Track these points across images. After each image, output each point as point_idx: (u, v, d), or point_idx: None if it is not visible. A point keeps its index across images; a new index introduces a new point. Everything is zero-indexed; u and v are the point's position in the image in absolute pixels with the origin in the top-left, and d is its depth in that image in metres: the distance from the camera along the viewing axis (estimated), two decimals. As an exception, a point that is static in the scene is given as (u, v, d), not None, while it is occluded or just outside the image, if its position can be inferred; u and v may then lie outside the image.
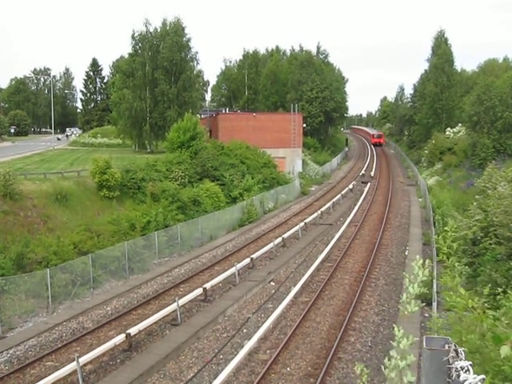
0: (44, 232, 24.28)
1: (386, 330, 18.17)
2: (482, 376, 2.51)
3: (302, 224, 34.28)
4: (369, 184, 56.49)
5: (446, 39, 77.23)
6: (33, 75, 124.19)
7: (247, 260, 26.03)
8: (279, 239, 30.36)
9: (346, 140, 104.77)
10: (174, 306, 19.21)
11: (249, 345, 16.20)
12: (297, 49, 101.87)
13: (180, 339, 17.61)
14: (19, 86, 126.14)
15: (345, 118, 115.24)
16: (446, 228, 4.34)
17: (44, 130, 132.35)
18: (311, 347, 17.20)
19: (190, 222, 31.10)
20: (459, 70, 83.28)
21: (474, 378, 2.49)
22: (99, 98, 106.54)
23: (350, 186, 53.20)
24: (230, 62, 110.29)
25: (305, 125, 68.73)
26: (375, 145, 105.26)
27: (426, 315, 18.90)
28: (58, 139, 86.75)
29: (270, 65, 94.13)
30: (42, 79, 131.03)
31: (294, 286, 22.36)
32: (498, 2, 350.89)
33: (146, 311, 20.65)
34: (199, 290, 21.45)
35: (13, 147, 65.32)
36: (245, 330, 18.72)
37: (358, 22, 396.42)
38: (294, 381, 14.98)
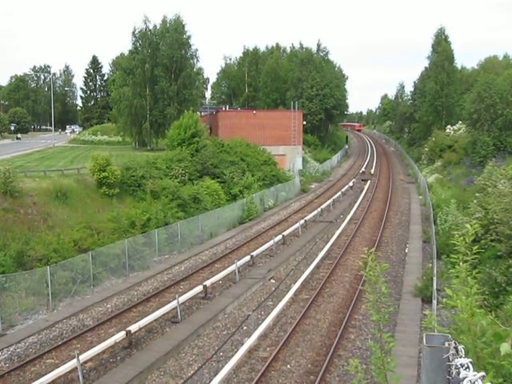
0: (44, 229, 24.29)
1: (386, 328, 18.18)
2: (482, 373, 2.51)
3: (302, 221, 34.28)
4: (369, 182, 56.50)
5: (447, 37, 77.04)
6: (33, 73, 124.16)
7: (247, 257, 26.05)
8: (279, 237, 30.37)
9: (346, 137, 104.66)
10: (174, 304, 19.23)
11: (249, 342, 16.22)
12: (297, 46, 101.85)
13: (180, 337, 17.62)
14: (19, 84, 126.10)
15: (345, 116, 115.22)
16: (466, 225, 4.34)
17: (44, 127, 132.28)
18: (311, 344, 17.21)
19: (190, 220, 31.10)
20: (459, 68, 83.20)
21: (474, 376, 2.49)
22: (99, 96, 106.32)
23: (350, 184, 53.19)
24: (230, 59, 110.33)
25: (305, 122, 68.68)
26: (358, 131, 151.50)
27: (426, 313, 18.91)
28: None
29: (270, 62, 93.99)
30: (42, 77, 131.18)
31: (294, 283, 22.38)
32: (498, 1, 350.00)
33: (146, 309, 20.67)
34: (199, 288, 21.48)
35: (15, 144, 65.37)
36: (245, 328, 18.74)
37: (358, 20, 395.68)
38: (294, 378, 15.00)
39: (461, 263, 4.07)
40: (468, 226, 4.25)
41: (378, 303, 4.25)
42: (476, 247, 4.29)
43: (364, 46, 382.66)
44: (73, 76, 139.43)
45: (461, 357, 2.72)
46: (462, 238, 4.20)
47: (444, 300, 3.87)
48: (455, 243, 4.22)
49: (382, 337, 4.24)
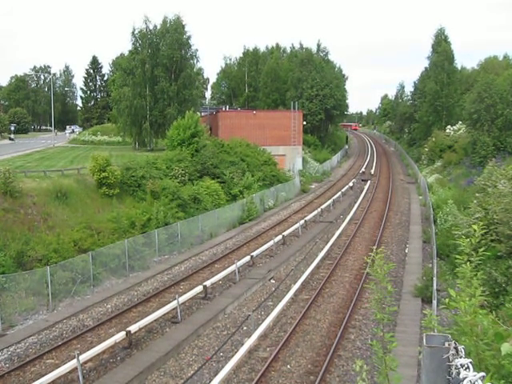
0: (44, 230, 24.29)
1: (386, 328, 18.18)
2: (482, 373, 2.51)
3: (302, 222, 34.26)
4: (369, 182, 56.48)
5: (446, 37, 77.06)
6: (33, 73, 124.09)
7: (247, 258, 26.05)
8: (279, 237, 30.36)
9: (346, 138, 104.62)
10: (174, 304, 19.23)
11: (249, 342, 16.21)
12: (297, 46, 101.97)
13: (180, 337, 17.62)
14: (19, 84, 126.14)
15: (345, 116, 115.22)
16: (473, 226, 4.32)
17: (44, 127, 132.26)
18: (311, 345, 17.21)
19: (190, 220, 31.10)
20: (459, 68, 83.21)
21: (474, 376, 2.49)
22: (99, 96, 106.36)
23: (350, 184, 53.18)
24: (230, 59, 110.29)
25: (305, 122, 68.68)
26: (354, 130, 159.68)
27: (426, 312, 18.88)
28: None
29: (270, 62, 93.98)
30: (42, 77, 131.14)
31: (294, 283, 22.37)
32: (498, 1, 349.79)
33: (146, 309, 20.67)
34: (199, 288, 21.48)
35: (14, 144, 65.35)
36: (245, 328, 18.73)
37: (358, 20, 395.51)
38: (294, 378, 15.00)
39: (465, 264, 4.06)
40: (474, 226, 4.23)
41: (381, 303, 4.24)
42: (482, 249, 4.27)
43: (364, 46, 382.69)
44: (73, 76, 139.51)
45: (461, 357, 2.72)
46: (468, 239, 4.17)
47: (447, 300, 3.86)
48: (460, 244, 4.20)
49: (385, 336, 4.24)
